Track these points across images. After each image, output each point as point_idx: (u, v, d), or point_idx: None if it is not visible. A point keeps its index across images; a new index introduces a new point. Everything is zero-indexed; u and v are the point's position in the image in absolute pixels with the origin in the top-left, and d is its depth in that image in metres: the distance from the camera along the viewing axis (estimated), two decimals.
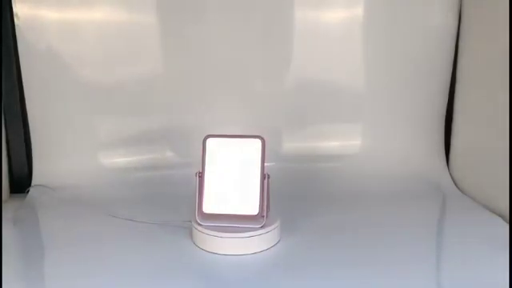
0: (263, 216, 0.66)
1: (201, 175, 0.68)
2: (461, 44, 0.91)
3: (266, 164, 0.67)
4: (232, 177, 0.67)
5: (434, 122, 0.96)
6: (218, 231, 0.65)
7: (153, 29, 0.91)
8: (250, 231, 0.65)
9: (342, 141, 0.97)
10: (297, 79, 0.94)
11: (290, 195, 0.86)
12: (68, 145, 0.93)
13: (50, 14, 0.88)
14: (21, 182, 0.91)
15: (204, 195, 0.67)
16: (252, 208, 0.65)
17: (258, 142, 0.66)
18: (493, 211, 0.78)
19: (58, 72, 0.90)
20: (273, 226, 0.67)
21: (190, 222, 0.69)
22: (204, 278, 0.62)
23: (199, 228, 0.67)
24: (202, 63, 0.93)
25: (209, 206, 0.67)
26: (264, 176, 0.66)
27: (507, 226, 0.73)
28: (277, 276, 0.61)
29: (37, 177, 0.91)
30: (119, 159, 0.94)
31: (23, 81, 0.89)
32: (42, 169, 0.92)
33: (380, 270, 0.62)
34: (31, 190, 0.89)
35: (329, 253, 0.66)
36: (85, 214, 0.80)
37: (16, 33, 0.87)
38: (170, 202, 0.84)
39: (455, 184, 0.92)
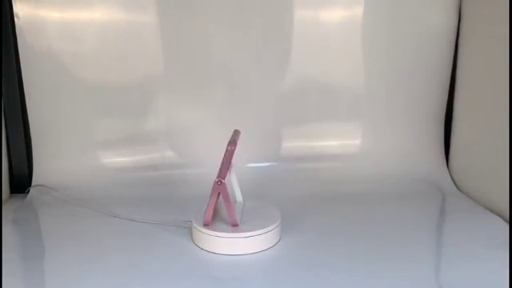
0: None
1: None
2: (461, 44, 0.91)
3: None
4: None
5: (434, 122, 0.96)
6: (218, 231, 0.66)
7: (152, 29, 0.91)
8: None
9: (341, 140, 0.97)
10: (296, 79, 0.94)
11: (290, 195, 0.86)
12: (68, 145, 0.93)
13: (50, 14, 0.88)
14: (21, 182, 0.91)
15: None
16: None
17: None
18: (492, 211, 0.78)
19: (58, 72, 0.90)
20: (273, 226, 0.67)
21: (190, 221, 0.69)
22: (204, 277, 0.62)
23: (198, 228, 0.67)
24: (202, 63, 0.93)
25: None
26: (216, 181, 0.65)
27: (507, 226, 0.73)
28: (276, 276, 0.61)
29: (37, 177, 0.91)
30: (119, 159, 0.94)
31: (23, 81, 0.89)
32: (42, 169, 0.92)
33: (380, 269, 0.62)
34: (31, 189, 0.89)
35: (328, 252, 0.66)
36: (85, 213, 0.80)
37: (16, 33, 0.87)
38: (169, 201, 0.84)
39: (455, 184, 0.92)
